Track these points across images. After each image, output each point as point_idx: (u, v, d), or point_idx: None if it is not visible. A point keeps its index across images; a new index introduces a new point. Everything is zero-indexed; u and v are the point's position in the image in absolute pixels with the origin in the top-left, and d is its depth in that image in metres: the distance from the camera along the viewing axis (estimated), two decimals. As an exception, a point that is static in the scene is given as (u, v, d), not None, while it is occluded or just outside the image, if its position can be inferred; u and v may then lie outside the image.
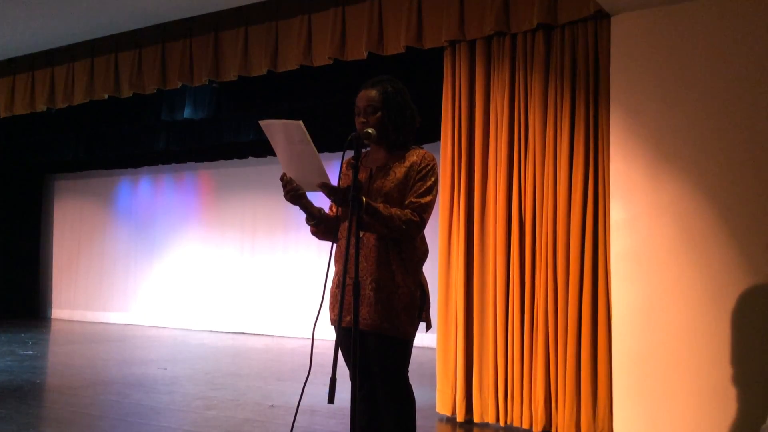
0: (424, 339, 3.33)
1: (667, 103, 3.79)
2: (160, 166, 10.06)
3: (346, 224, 2.32)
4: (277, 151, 2.36)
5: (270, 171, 8.48)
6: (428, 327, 2.55)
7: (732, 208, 3.60)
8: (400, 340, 2.43)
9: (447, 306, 4.51)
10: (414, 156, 2.51)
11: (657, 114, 3.82)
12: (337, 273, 2.52)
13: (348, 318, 2.39)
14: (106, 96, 6.35)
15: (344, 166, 2.56)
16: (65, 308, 11.14)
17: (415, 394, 2.50)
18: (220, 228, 9.86)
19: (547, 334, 4.14)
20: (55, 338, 9.06)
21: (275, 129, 2.29)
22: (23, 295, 10.94)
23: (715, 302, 3.59)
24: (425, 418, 4.23)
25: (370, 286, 2.41)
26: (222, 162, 9.44)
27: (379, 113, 2.47)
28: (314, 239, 2.65)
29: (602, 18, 4.05)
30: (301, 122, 2.21)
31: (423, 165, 2.48)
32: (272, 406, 4.76)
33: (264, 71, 5.45)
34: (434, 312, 2.88)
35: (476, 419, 4.33)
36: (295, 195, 2.38)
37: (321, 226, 2.52)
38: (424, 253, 2.54)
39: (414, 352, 2.51)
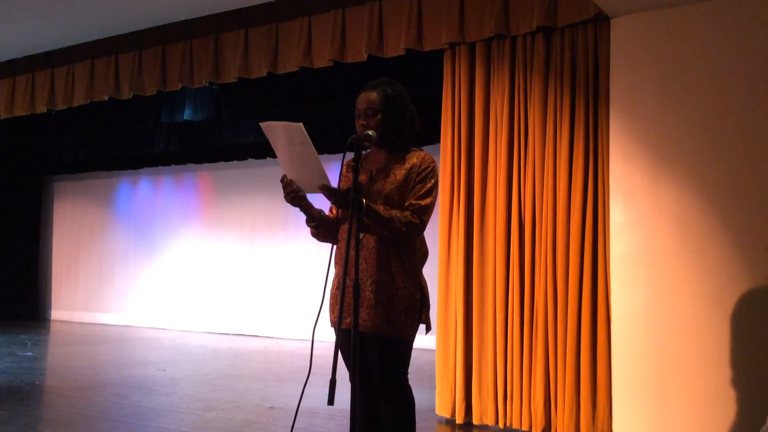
0: (423, 341, 3.33)
1: (667, 105, 3.80)
2: (159, 167, 10.06)
3: (346, 226, 2.33)
4: (277, 153, 2.36)
5: (269, 173, 8.49)
6: (428, 329, 2.55)
7: (732, 210, 3.60)
8: (400, 341, 2.43)
9: (447, 308, 4.51)
10: (414, 158, 2.51)
11: (657, 116, 3.82)
12: (337, 275, 2.53)
13: (348, 320, 2.39)
14: (106, 97, 6.36)
15: (344, 167, 2.56)
16: (64, 309, 11.14)
17: (414, 395, 2.50)
18: (220, 229, 9.86)
19: (547, 335, 4.14)
20: (55, 339, 9.06)
21: (276, 131, 2.30)
22: (22, 296, 10.94)
23: (714, 304, 3.60)
24: (425, 420, 4.23)
25: (370, 288, 2.41)
26: (222, 163, 9.44)
27: (379, 115, 2.47)
28: (314, 241, 2.65)
29: (602, 21, 4.06)
30: (301, 124, 2.22)
31: (423, 167, 2.48)
32: (272, 407, 4.76)
33: (264, 73, 5.46)
34: (434, 314, 2.89)
35: (476, 421, 4.33)
36: (295, 196, 2.38)
37: (321, 227, 2.52)
38: (424, 255, 2.54)
39: (413, 353, 2.51)
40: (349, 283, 2.31)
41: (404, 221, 2.38)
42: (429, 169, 2.48)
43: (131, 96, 6.22)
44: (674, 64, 3.79)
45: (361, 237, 2.34)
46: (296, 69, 5.33)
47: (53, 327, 10.26)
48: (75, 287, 11.08)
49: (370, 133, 2.41)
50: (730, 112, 3.64)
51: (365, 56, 4.94)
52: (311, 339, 2.31)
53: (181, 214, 10.24)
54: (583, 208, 4.10)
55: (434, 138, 4.72)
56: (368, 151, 2.59)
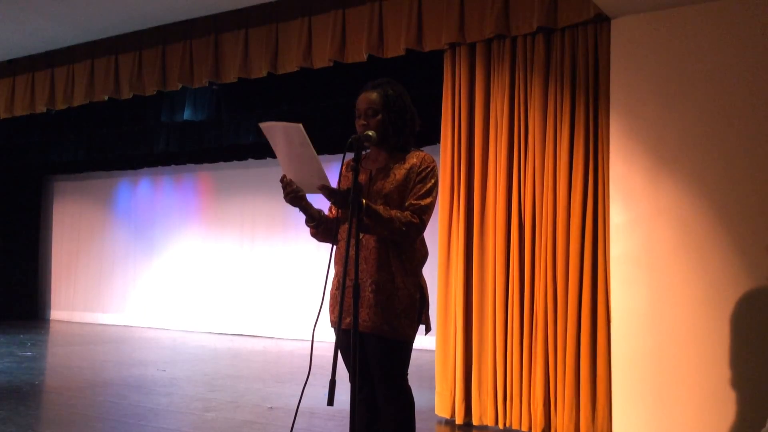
0: (423, 341, 3.32)
1: (667, 106, 3.80)
2: (159, 167, 10.06)
3: (345, 226, 2.33)
4: (277, 153, 2.36)
5: (269, 173, 8.49)
6: (427, 329, 2.55)
7: (731, 211, 3.61)
8: (400, 342, 2.43)
9: (446, 308, 4.51)
10: (414, 158, 2.51)
11: (657, 117, 3.82)
12: (336, 275, 2.52)
13: (348, 320, 2.39)
14: (106, 97, 6.35)
15: (344, 167, 2.56)
16: (64, 309, 11.14)
17: (414, 396, 2.50)
18: (220, 230, 9.86)
19: (547, 336, 4.14)
20: (54, 339, 9.05)
21: (275, 131, 2.30)
22: (22, 296, 10.94)
23: (714, 305, 3.60)
24: (424, 421, 4.23)
25: (369, 288, 2.41)
26: (221, 164, 9.44)
27: (380, 116, 2.47)
28: (313, 241, 2.65)
29: (602, 21, 4.06)
30: (301, 125, 2.22)
31: (423, 167, 2.48)
32: (271, 408, 4.76)
33: (264, 73, 5.45)
34: (433, 314, 2.89)
35: (475, 422, 4.33)
36: (294, 197, 2.38)
37: (321, 227, 2.52)
38: (423, 255, 2.54)
39: (413, 354, 2.51)
40: (348, 283, 2.31)
41: (404, 221, 2.38)
42: (429, 169, 2.48)
43: (131, 96, 6.22)
44: (674, 64, 3.79)
45: (360, 237, 2.34)
46: (296, 69, 5.33)
47: (53, 327, 10.26)
48: (75, 287, 11.07)
49: (370, 133, 2.41)
50: (730, 113, 3.64)
51: (365, 57, 4.94)
52: (311, 339, 2.31)
53: (180, 214, 10.24)
54: (583, 209, 4.10)
55: (434, 138, 4.72)
56: (368, 151, 2.59)
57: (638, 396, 3.76)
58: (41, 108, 6.81)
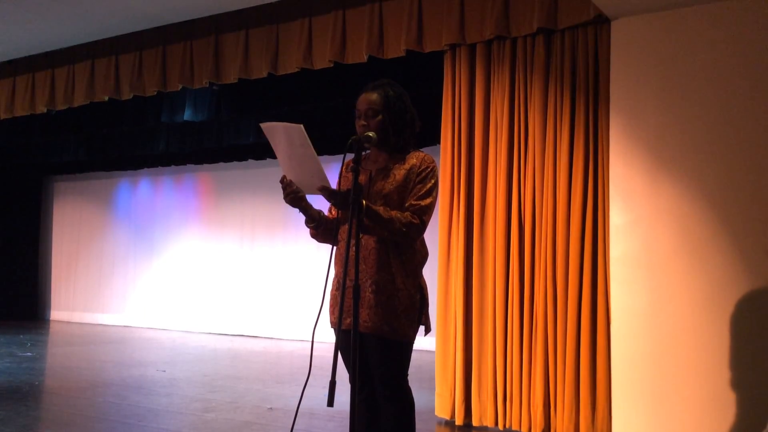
0: (423, 342, 3.33)
1: (667, 107, 3.80)
2: (159, 168, 10.06)
3: (345, 227, 2.33)
4: (277, 154, 2.36)
5: (269, 174, 8.50)
6: (427, 330, 2.55)
7: (731, 212, 3.61)
8: (400, 342, 2.43)
9: (446, 309, 4.51)
10: (414, 158, 2.51)
11: (657, 118, 3.82)
12: (336, 275, 2.53)
13: (348, 320, 2.39)
14: (107, 98, 6.35)
15: (344, 168, 2.56)
16: (64, 310, 11.14)
17: (414, 397, 2.50)
18: (220, 230, 9.86)
19: (546, 337, 4.14)
20: (54, 340, 9.05)
21: (276, 132, 2.30)
22: (22, 296, 10.94)
23: (714, 306, 3.60)
24: (424, 422, 4.23)
25: (370, 289, 2.41)
26: (222, 164, 9.44)
27: (380, 116, 2.47)
28: (313, 242, 2.65)
29: (602, 22, 4.06)
30: (301, 126, 2.22)
31: (423, 167, 2.48)
32: (271, 408, 4.76)
33: (264, 74, 5.45)
34: (433, 315, 2.89)
35: (475, 422, 4.33)
36: (294, 197, 2.38)
37: (320, 228, 2.52)
38: (424, 256, 2.54)
39: (413, 355, 2.51)
40: (349, 283, 2.31)
41: (404, 222, 2.38)
42: (429, 170, 2.49)
43: (131, 96, 6.22)
44: (674, 66, 3.79)
45: (360, 237, 2.34)
46: (296, 70, 5.33)
47: (53, 327, 10.26)
48: (74, 287, 11.07)
49: (370, 134, 2.41)
50: (730, 114, 3.64)
51: (365, 57, 4.95)
52: (311, 340, 2.31)
53: (180, 215, 10.24)
54: (583, 210, 4.10)
55: (434, 139, 4.72)
56: (368, 152, 2.59)
57: (638, 397, 3.76)
58: (41, 108, 6.81)
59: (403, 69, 5.20)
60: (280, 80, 5.65)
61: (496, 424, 4.29)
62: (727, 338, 3.55)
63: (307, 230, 2.55)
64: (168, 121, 7.04)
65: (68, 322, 10.81)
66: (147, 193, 10.67)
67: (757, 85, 3.58)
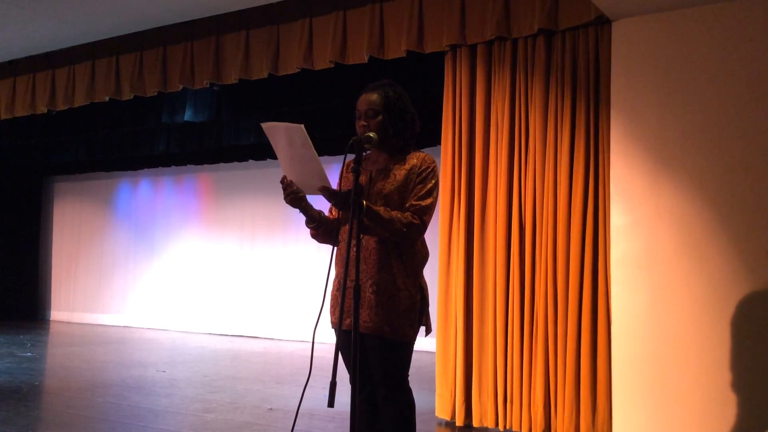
0: (423, 343, 3.32)
1: (668, 108, 3.79)
2: (160, 168, 10.06)
3: (346, 227, 2.33)
4: (278, 154, 2.36)
5: (270, 174, 8.49)
6: (428, 331, 2.55)
7: (732, 214, 3.60)
8: (401, 343, 2.43)
9: (447, 310, 4.50)
10: (414, 159, 2.51)
11: (657, 119, 3.82)
12: (337, 276, 2.52)
13: (348, 321, 2.39)
14: (107, 98, 6.35)
15: (344, 168, 2.56)
16: (64, 310, 11.13)
17: (414, 397, 2.49)
18: (220, 231, 9.85)
19: (547, 338, 4.14)
20: (54, 340, 9.05)
21: (277, 132, 2.30)
22: (22, 296, 10.93)
23: (715, 308, 3.59)
24: (424, 423, 4.22)
25: (370, 289, 2.41)
26: (222, 165, 9.44)
27: (380, 117, 2.47)
28: (314, 242, 2.65)
29: (603, 23, 4.06)
30: (302, 126, 2.22)
31: (423, 168, 2.48)
32: (271, 409, 4.76)
33: (265, 74, 5.45)
34: (434, 316, 2.88)
35: (475, 423, 4.32)
36: (295, 198, 2.38)
37: (321, 229, 2.52)
38: (424, 256, 2.54)
39: (413, 355, 2.51)
40: (349, 284, 2.31)
41: (405, 222, 2.38)
42: (429, 170, 2.48)
43: (132, 97, 6.22)
44: (675, 67, 3.79)
45: (361, 238, 2.34)
46: (297, 70, 5.33)
47: (53, 328, 10.25)
48: (74, 288, 11.07)
49: (371, 134, 2.41)
50: (731, 115, 3.64)
51: (366, 58, 4.95)
52: (311, 340, 2.31)
53: (181, 215, 10.24)
54: (584, 211, 4.10)
55: (435, 140, 4.72)
56: (368, 152, 2.59)
57: (638, 398, 3.76)
58: (42, 109, 6.81)
59: (403, 70, 5.20)
60: (280, 81, 5.66)
61: (497, 424, 4.29)
62: (728, 339, 3.55)
63: (308, 231, 2.55)
64: (168, 122, 7.03)
65: (68, 323, 10.81)
66: (147, 193, 10.67)
67: (757, 86, 3.58)
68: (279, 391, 5.50)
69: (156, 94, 6.13)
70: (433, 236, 3.40)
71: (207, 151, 8.73)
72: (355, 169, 2.28)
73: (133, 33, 6.20)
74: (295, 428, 2.43)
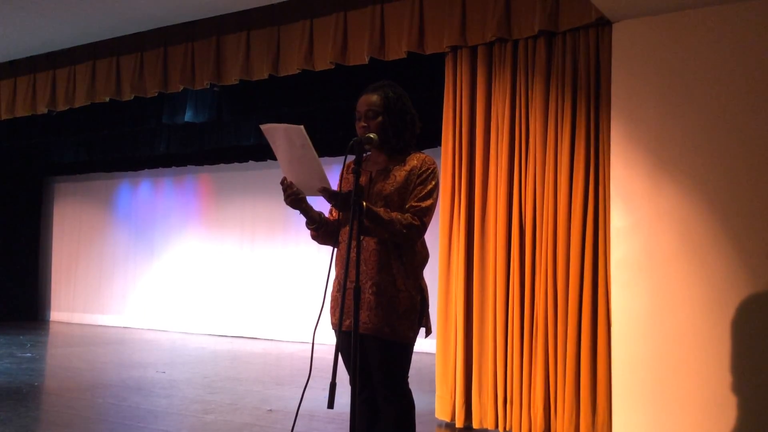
0: (423, 344, 3.32)
1: (668, 110, 3.79)
2: (160, 169, 10.06)
3: (346, 228, 2.33)
4: (277, 155, 2.36)
5: (270, 175, 8.49)
6: (428, 332, 2.55)
7: (732, 216, 3.60)
8: (401, 344, 2.42)
9: (447, 311, 4.50)
10: (414, 160, 2.51)
11: (658, 121, 3.82)
12: (337, 277, 2.52)
13: (348, 322, 2.39)
14: (108, 99, 6.36)
15: (344, 170, 2.56)
16: (64, 311, 11.13)
17: (414, 399, 2.49)
18: (220, 232, 9.85)
19: (547, 339, 4.13)
20: (54, 341, 9.05)
21: (276, 133, 2.30)
22: (22, 297, 10.93)
23: (715, 309, 3.59)
24: (424, 424, 4.22)
25: (370, 290, 2.41)
26: (222, 165, 9.44)
27: (380, 118, 2.47)
28: (314, 243, 2.65)
29: (604, 25, 4.06)
30: (302, 126, 2.22)
31: (423, 169, 2.48)
32: (271, 410, 4.75)
33: (265, 75, 5.46)
34: (434, 317, 2.88)
35: (475, 425, 4.32)
36: (295, 199, 2.38)
37: (321, 230, 2.52)
38: (424, 257, 2.54)
39: (413, 357, 2.50)
40: (349, 285, 2.31)
41: (405, 223, 2.38)
42: (429, 171, 2.48)
43: (132, 97, 6.22)
44: (676, 68, 3.79)
45: (361, 239, 2.34)
46: (297, 71, 5.33)
47: (52, 328, 10.25)
48: (74, 288, 11.07)
49: (371, 135, 2.41)
50: (731, 117, 3.64)
51: (367, 59, 4.95)
52: (311, 342, 2.31)
53: (181, 216, 10.24)
54: (584, 213, 4.09)
55: (435, 141, 4.72)
56: (369, 153, 2.59)
57: (638, 400, 3.75)
58: (42, 109, 6.81)
59: (404, 71, 5.20)
60: (281, 82, 5.66)
61: (497, 426, 4.28)
62: (728, 341, 3.54)
63: (308, 232, 2.55)
64: (169, 123, 7.04)
65: (68, 323, 10.81)
66: (147, 194, 10.67)
67: (758, 88, 3.58)
68: (279, 393, 5.50)
69: (156, 94, 6.13)
70: (434, 237, 3.40)
71: (207, 152, 8.73)
72: (356, 170, 2.28)
73: (134, 33, 6.20)
74: (294, 429, 2.43)
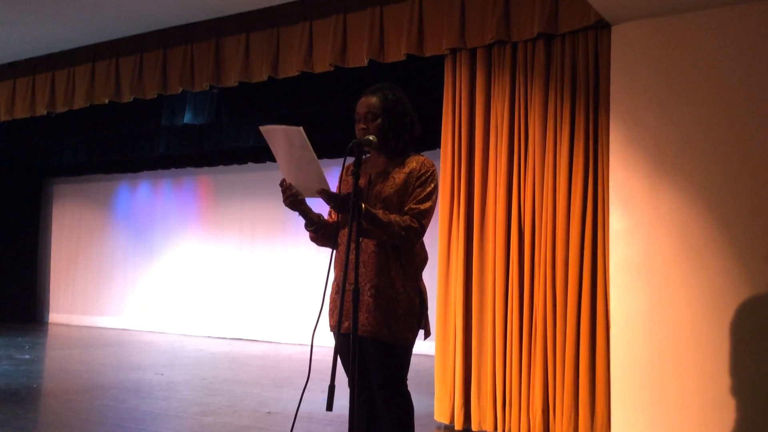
0: (422, 346, 3.31)
1: (667, 112, 3.80)
2: (159, 170, 10.06)
3: (345, 230, 2.33)
4: (277, 157, 2.36)
5: (269, 177, 8.49)
6: (427, 334, 2.55)
7: (731, 218, 3.60)
8: (400, 346, 2.42)
9: (446, 313, 4.50)
10: (413, 162, 2.51)
11: (657, 123, 3.82)
12: (336, 279, 2.52)
13: (347, 324, 2.38)
14: (107, 100, 6.36)
15: (344, 172, 2.56)
16: (62, 312, 11.12)
17: (413, 401, 2.49)
18: (219, 233, 9.85)
19: (546, 342, 4.13)
20: (52, 342, 9.04)
21: (276, 134, 2.30)
22: (21, 298, 10.92)
23: (714, 311, 3.59)
24: (423, 426, 4.21)
25: (369, 293, 2.41)
26: (221, 167, 9.45)
27: (380, 120, 2.47)
28: (313, 245, 2.65)
29: (603, 27, 4.06)
30: (301, 128, 2.22)
31: (422, 171, 2.48)
32: (269, 412, 4.75)
33: (265, 77, 5.46)
34: (433, 319, 2.88)
35: (474, 427, 4.31)
36: (294, 201, 2.38)
37: (320, 232, 2.52)
38: (423, 259, 2.54)
39: (412, 359, 2.50)
40: (348, 287, 2.31)
41: (404, 225, 2.38)
42: (428, 173, 2.49)
43: (132, 99, 6.22)
44: (675, 71, 3.79)
45: (360, 241, 2.34)
46: (297, 73, 5.33)
47: (51, 330, 10.24)
48: (73, 290, 11.06)
49: (370, 137, 2.41)
50: (730, 119, 3.64)
51: (366, 61, 4.95)
52: (310, 344, 2.30)
53: (180, 218, 10.24)
54: (583, 215, 4.10)
55: (434, 143, 4.72)
56: (368, 155, 2.59)
57: (637, 402, 3.75)
58: (42, 111, 6.81)
59: (403, 73, 5.21)
60: (280, 84, 5.66)
61: (496, 428, 4.28)
62: (727, 343, 3.55)
63: (307, 233, 2.54)
64: (168, 124, 7.04)
65: (67, 325, 10.79)
66: (146, 195, 10.67)
67: (757, 91, 3.59)
68: (277, 395, 5.49)
69: (156, 96, 6.13)
70: (433, 240, 3.41)
71: (206, 154, 8.74)
72: (355, 172, 2.28)
73: (133, 35, 6.20)
74: None
